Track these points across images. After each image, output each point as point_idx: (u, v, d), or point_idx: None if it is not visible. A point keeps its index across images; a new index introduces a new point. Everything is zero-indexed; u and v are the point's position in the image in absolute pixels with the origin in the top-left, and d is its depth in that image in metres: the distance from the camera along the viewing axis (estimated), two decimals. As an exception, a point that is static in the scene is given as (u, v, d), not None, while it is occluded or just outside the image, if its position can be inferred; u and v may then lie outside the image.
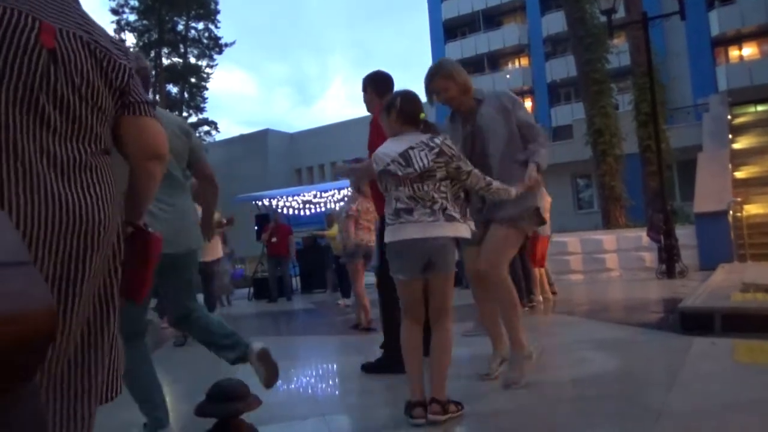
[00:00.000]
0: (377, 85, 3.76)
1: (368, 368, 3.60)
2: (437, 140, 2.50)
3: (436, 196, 2.46)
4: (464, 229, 2.53)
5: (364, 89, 3.81)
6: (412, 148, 2.49)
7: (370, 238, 6.00)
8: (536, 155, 2.92)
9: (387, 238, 2.53)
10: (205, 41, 34.27)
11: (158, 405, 2.44)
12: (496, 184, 2.65)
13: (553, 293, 6.98)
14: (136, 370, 2.41)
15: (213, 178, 2.80)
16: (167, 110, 2.76)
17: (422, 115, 2.57)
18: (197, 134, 40.09)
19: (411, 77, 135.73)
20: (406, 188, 2.48)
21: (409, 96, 2.63)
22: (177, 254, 2.50)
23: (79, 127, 1.24)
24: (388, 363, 3.52)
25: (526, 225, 3.06)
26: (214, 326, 2.65)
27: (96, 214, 1.22)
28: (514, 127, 2.99)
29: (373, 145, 3.60)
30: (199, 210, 3.20)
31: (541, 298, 6.47)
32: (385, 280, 3.67)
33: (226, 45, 34.41)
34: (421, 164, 2.45)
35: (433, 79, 3.03)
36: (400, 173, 2.47)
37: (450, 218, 2.46)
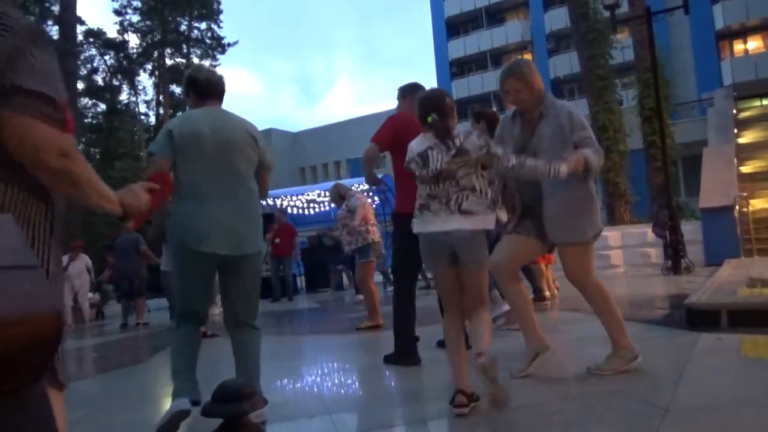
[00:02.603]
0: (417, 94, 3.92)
1: (387, 359, 3.73)
2: (458, 141, 2.49)
3: (451, 191, 2.48)
4: (484, 221, 2.49)
5: (404, 96, 3.95)
6: (431, 148, 2.52)
7: (377, 235, 5.97)
8: (586, 150, 2.83)
9: (414, 230, 2.63)
10: (207, 41, 34.32)
11: (183, 378, 2.54)
12: (530, 162, 2.61)
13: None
14: (179, 346, 2.59)
15: (266, 191, 2.85)
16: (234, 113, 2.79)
17: (429, 119, 2.53)
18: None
19: (414, 76, 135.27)
20: (425, 186, 2.55)
21: (421, 98, 2.68)
22: (230, 256, 2.52)
23: None
24: (398, 355, 3.63)
25: (592, 239, 3.00)
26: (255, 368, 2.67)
27: None
28: (570, 148, 2.89)
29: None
30: None
31: (548, 294, 6.46)
32: (398, 272, 3.79)
33: (229, 45, 34.47)
34: (434, 166, 2.48)
35: (507, 78, 3.00)
36: (417, 172, 2.56)
37: (466, 212, 2.46)
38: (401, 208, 3.73)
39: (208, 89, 2.69)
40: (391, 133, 3.69)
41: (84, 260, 10.16)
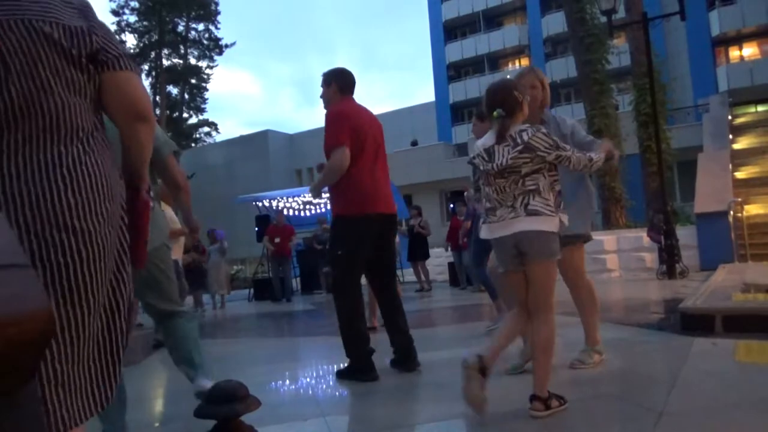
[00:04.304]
0: (344, 81, 3.56)
1: (340, 374, 3.49)
2: (525, 136, 2.42)
3: (517, 194, 2.43)
4: (551, 223, 2.42)
5: (328, 83, 3.57)
6: (498, 143, 2.49)
7: None
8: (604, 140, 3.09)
9: (482, 235, 2.63)
10: (205, 42, 34.32)
11: (111, 419, 2.38)
12: (596, 157, 2.61)
13: None
14: None
15: (177, 181, 2.53)
16: None
17: (495, 114, 2.48)
18: (197, 135, 39.62)
19: (412, 78, 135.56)
20: (491, 187, 2.51)
21: (488, 90, 2.62)
22: None
23: (48, 112, 1.19)
24: (352, 371, 3.39)
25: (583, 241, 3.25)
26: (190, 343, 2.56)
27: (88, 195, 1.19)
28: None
29: (326, 145, 3.44)
30: (166, 209, 3.05)
31: None
32: (340, 287, 3.48)
33: (227, 46, 34.48)
34: (500, 161, 2.44)
35: (527, 75, 3.20)
36: (481, 167, 2.52)
37: (533, 212, 2.40)
38: (342, 210, 3.43)
39: None
40: (350, 129, 3.37)
41: None
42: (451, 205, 13.89)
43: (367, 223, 3.39)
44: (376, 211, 3.40)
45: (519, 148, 2.41)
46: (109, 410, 2.38)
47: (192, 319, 2.68)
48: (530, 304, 2.49)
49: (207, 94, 35.66)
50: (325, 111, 3.55)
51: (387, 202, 3.50)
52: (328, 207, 13.44)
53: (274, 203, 14.28)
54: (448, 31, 33.92)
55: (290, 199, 14.47)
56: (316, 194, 3.59)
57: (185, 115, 35.32)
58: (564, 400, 2.43)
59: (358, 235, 3.39)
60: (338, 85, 3.54)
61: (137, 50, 32.85)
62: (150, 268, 2.48)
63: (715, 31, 25.16)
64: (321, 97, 3.62)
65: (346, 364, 3.49)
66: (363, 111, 3.57)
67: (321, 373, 4.17)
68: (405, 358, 3.50)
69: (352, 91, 3.59)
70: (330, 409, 2.86)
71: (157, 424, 2.98)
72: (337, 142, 3.32)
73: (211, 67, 34.99)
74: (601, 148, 2.83)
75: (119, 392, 2.43)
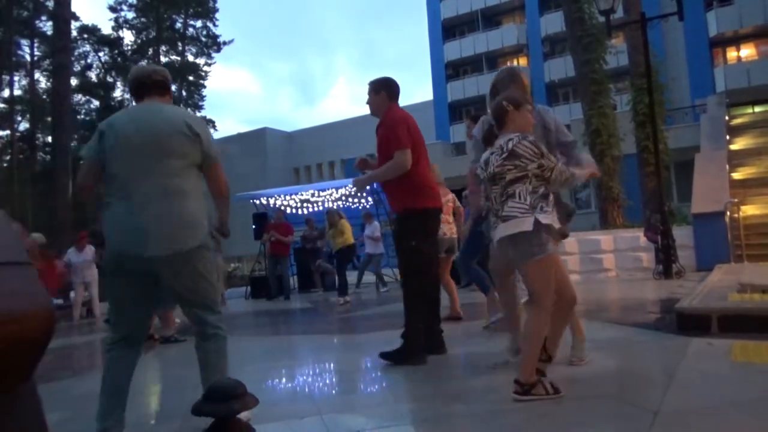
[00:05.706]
0: (392, 90, 3.87)
1: (385, 355, 3.68)
2: (510, 144, 2.60)
3: (499, 202, 2.64)
4: (523, 223, 2.54)
5: (377, 91, 3.85)
6: (492, 152, 2.68)
7: (451, 231, 5.79)
8: (588, 156, 3.21)
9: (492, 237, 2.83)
10: (203, 39, 34.19)
11: (106, 417, 2.39)
12: (579, 173, 2.83)
13: None
14: (110, 376, 2.45)
15: (221, 190, 2.59)
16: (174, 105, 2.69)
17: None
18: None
19: (411, 77, 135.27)
20: (490, 195, 2.73)
21: (494, 101, 2.84)
22: (153, 257, 2.34)
23: None
24: (404, 354, 3.60)
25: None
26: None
27: None
28: (553, 146, 3.18)
29: (381, 146, 3.76)
30: None
31: None
32: (415, 274, 3.73)
33: (225, 43, 34.35)
34: (490, 169, 2.67)
35: (505, 84, 3.21)
36: (481, 176, 2.78)
37: (505, 218, 2.61)
38: (411, 204, 3.71)
39: (138, 86, 2.61)
40: (410, 133, 3.72)
41: (91, 251, 10.03)
42: (449, 204, 13.91)
43: (429, 216, 3.78)
44: (434, 206, 3.80)
45: (504, 155, 2.59)
46: (109, 407, 2.39)
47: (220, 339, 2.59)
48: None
49: (205, 92, 35.51)
50: (373, 117, 3.92)
51: (437, 198, 3.87)
52: (325, 206, 13.48)
53: (272, 201, 14.26)
54: (446, 30, 33.90)
55: (287, 197, 14.44)
56: (361, 188, 4.02)
57: (183, 112, 35.27)
58: (557, 391, 2.55)
59: (425, 226, 3.76)
60: (387, 93, 3.86)
61: (135, 47, 32.74)
62: (194, 272, 2.47)
63: (713, 31, 25.21)
64: (367, 103, 3.93)
65: (395, 348, 3.66)
66: (412, 117, 3.90)
67: (318, 371, 4.18)
68: (434, 345, 3.83)
69: (398, 98, 3.92)
70: (327, 407, 2.87)
71: (153, 422, 2.98)
72: (403, 145, 3.63)
73: (209, 65, 34.86)
74: (587, 168, 2.99)
75: (121, 389, 2.44)
